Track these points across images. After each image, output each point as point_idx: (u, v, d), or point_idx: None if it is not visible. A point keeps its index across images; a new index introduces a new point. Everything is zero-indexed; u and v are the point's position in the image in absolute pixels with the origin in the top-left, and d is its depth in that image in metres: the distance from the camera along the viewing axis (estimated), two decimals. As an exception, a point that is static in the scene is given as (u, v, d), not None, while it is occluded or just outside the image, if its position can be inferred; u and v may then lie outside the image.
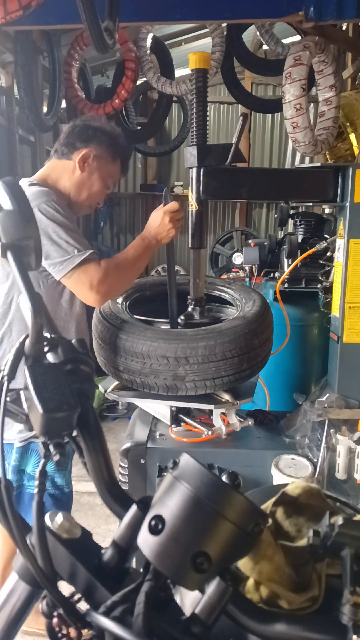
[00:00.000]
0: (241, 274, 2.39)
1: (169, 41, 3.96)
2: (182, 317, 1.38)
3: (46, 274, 1.33)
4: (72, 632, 0.49)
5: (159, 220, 1.34)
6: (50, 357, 0.55)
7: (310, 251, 1.69)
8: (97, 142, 1.42)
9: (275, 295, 1.81)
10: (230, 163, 1.27)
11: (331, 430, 1.32)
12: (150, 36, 3.29)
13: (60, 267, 1.25)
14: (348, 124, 2.64)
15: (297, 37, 3.10)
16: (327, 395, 1.42)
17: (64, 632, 0.50)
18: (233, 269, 2.86)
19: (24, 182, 1.39)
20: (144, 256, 1.36)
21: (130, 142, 4.62)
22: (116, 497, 0.56)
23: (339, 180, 1.41)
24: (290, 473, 1.18)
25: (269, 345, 1.32)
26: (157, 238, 1.35)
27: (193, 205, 1.31)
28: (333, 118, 2.41)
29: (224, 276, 2.59)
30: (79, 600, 0.51)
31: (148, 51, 3.29)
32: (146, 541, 0.46)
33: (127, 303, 1.45)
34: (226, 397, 1.25)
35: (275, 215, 2.18)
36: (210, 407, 1.24)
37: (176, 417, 1.32)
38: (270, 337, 1.32)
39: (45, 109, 3.24)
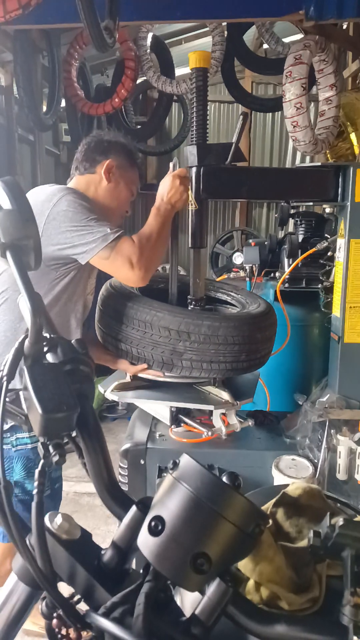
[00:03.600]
0: (241, 273, 2.39)
1: (169, 40, 3.95)
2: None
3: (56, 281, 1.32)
4: (72, 633, 0.49)
5: (169, 184, 1.33)
6: (49, 358, 0.55)
7: (310, 251, 1.69)
8: (115, 153, 1.47)
9: (275, 295, 1.81)
10: (230, 162, 1.27)
11: (332, 431, 1.32)
12: (150, 35, 3.28)
13: (94, 245, 1.24)
14: (348, 123, 2.64)
15: (298, 36, 3.10)
16: (328, 395, 1.42)
17: (64, 633, 0.49)
18: (233, 269, 2.86)
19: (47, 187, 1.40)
20: (165, 225, 1.36)
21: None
22: (116, 498, 0.56)
23: (340, 179, 1.40)
24: (291, 474, 1.18)
25: (270, 345, 1.32)
26: (172, 202, 1.34)
27: (193, 205, 1.31)
28: (333, 117, 2.40)
29: (224, 276, 2.58)
30: (78, 601, 0.50)
31: (148, 50, 3.29)
32: (146, 542, 0.46)
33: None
34: (226, 397, 1.25)
35: (276, 215, 2.18)
36: (211, 407, 1.24)
37: (176, 418, 1.32)
38: (272, 337, 1.32)
39: (44, 108, 3.23)
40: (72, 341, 0.57)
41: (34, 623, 1.57)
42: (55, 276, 1.32)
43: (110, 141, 1.49)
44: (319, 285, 1.84)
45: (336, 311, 1.46)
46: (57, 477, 1.47)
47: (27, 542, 0.49)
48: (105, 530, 2.18)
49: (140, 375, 1.35)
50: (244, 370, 1.25)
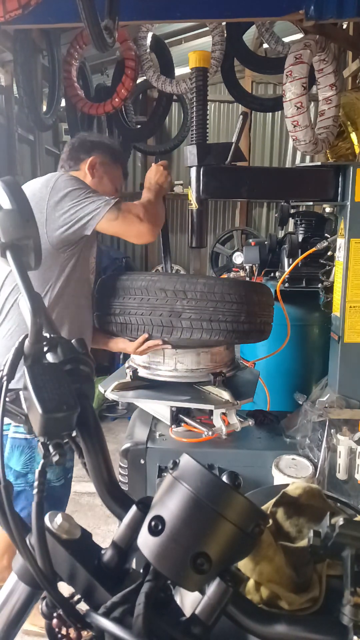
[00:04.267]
0: (241, 273, 2.39)
1: (169, 40, 3.95)
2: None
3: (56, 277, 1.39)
4: (72, 633, 0.49)
5: (154, 170, 1.51)
6: (49, 357, 0.55)
7: (310, 250, 1.69)
8: (98, 151, 1.54)
9: (275, 294, 1.81)
10: (230, 162, 1.27)
11: (332, 431, 1.32)
12: (150, 35, 3.28)
13: (98, 210, 1.31)
14: (349, 122, 2.64)
15: (298, 36, 3.10)
16: (328, 395, 1.42)
17: (64, 632, 0.49)
18: (233, 269, 2.86)
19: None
20: (157, 197, 1.48)
21: (129, 141, 4.58)
22: (116, 498, 0.56)
23: (340, 179, 1.40)
24: (291, 473, 1.18)
25: (269, 314, 1.31)
26: (159, 182, 1.49)
27: (193, 205, 1.31)
28: (333, 117, 2.40)
29: (224, 276, 2.58)
30: (78, 601, 0.50)
31: (148, 50, 3.28)
32: (146, 542, 0.46)
33: None
34: (226, 397, 1.25)
35: (276, 215, 2.18)
36: (211, 407, 1.24)
37: (176, 417, 1.32)
38: (270, 306, 1.32)
39: (44, 108, 3.23)
40: (72, 341, 0.57)
41: (33, 624, 1.58)
42: (64, 257, 1.38)
43: (93, 141, 1.57)
44: (319, 285, 1.83)
45: (336, 311, 1.46)
46: (70, 467, 1.51)
47: (27, 541, 0.49)
48: (106, 530, 2.18)
49: (140, 375, 1.35)
50: (246, 334, 1.23)
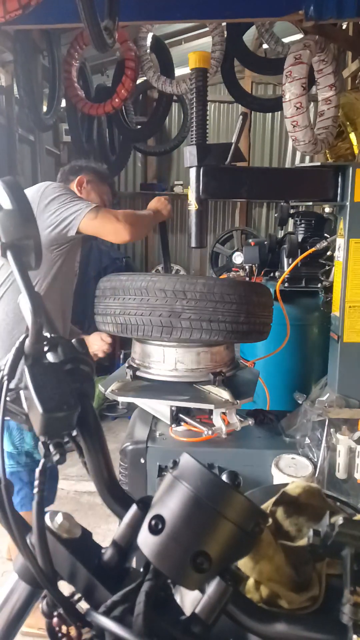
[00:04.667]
0: (241, 273, 2.39)
1: (169, 40, 3.95)
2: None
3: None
4: (72, 632, 0.49)
5: (156, 200, 1.71)
6: (50, 357, 0.55)
7: (310, 250, 1.69)
8: (85, 172, 1.76)
9: (275, 294, 1.81)
10: (230, 162, 1.27)
11: (331, 430, 1.32)
12: (150, 35, 3.28)
13: (79, 211, 1.47)
14: (348, 123, 2.64)
15: (297, 36, 3.10)
16: (328, 394, 1.42)
17: (64, 631, 0.50)
18: (233, 268, 2.86)
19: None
20: (148, 217, 1.64)
21: (129, 141, 4.59)
22: (116, 497, 0.56)
23: (339, 179, 1.40)
24: (291, 473, 1.18)
25: (268, 315, 1.32)
26: (157, 208, 1.68)
27: (193, 205, 1.31)
28: (333, 117, 2.40)
29: (224, 276, 2.59)
30: (79, 600, 0.51)
31: (148, 50, 3.29)
32: (146, 541, 0.46)
33: None
34: (226, 396, 1.25)
35: (276, 215, 2.18)
36: (211, 406, 1.24)
37: (176, 417, 1.32)
38: (269, 307, 1.32)
39: (45, 108, 3.23)
40: (73, 341, 0.57)
41: (30, 627, 1.59)
42: (52, 258, 1.56)
43: (81, 165, 1.79)
44: (319, 285, 1.84)
45: (335, 310, 1.47)
46: None
47: (28, 541, 0.49)
48: (106, 529, 2.19)
49: (140, 375, 1.35)
50: (246, 335, 1.23)
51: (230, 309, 1.17)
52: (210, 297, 1.16)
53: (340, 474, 1.32)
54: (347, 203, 1.37)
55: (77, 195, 1.59)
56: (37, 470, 0.48)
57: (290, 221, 2.20)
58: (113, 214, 1.49)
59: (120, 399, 1.32)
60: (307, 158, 4.00)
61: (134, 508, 0.51)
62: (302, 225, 2.08)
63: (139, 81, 3.61)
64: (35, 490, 0.48)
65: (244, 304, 1.19)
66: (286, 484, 0.68)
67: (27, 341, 0.52)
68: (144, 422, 1.42)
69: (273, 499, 0.65)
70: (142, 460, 1.27)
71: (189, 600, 0.51)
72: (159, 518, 0.45)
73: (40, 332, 0.52)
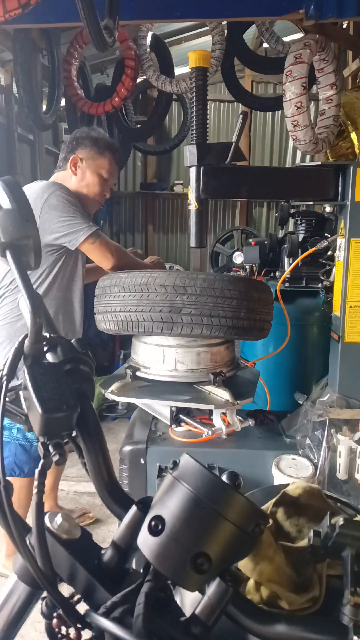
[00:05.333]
0: (242, 273, 2.38)
1: (169, 39, 3.95)
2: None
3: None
4: (72, 633, 0.49)
5: (156, 261, 1.79)
6: (49, 357, 0.55)
7: (311, 250, 1.69)
8: (81, 147, 1.74)
9: (276, 294, 1.81)
10: (230, 162, 1.27)
11: (332, 430, 1.32)
12: (150, 34, 3.28)
13: (81, 233, 1.58)
14: (349, 122, 2.64)
15: (298, 35, 3.10)
16: (328, 395, 1.42)
17: (64, 632, 0.49)
18: (233, 268, 2.86)
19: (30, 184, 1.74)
20: (140, 265, 1.69)
21: (129, 141, 4.59)
22: (116, 498, 0.56)
23: (340, 179, 1.40)
24: (291, 473, 1.18)
25: (269, 313, 1.31)
26: (149, 261, 1.76)
27: (193, 204, 1.31)
28: (334, 116, 2.40)
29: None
30: (78, 601, 0.50)
31: (148, 49, 3.28)
32: (146, 542, 0.46)
33: None
34: (226, 397, 1.25)
35: (276, 214, 2.18)
36: (211, 407, 1.24)
37: (176, 417, 1.32)
38: (269, 304, 1.32)
39: (44, 108, 3.23)
40: (72, 341, 0.57)
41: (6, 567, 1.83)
42: (52, 259, 1.66)
43: (78, 138, 1.75)
44: (319, 285, 1.83)
45: (336, 310, 1.46)
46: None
47: (27, 541, 0.49)
48: (106, 530, 2.18)
49: (140, 375, 1.35)
50: (246, 331, 1.23)
51: (230, 304, 1.17)
52: (210, 292, 1.16)
53: (341, 474, 1.31)
54: (348, 202, 1.37)
55: (77, 209, 1.62)
56: (37, 471, 0.48)
57: (291, 221, 2.20)
58: (107, 246, 1.59)
59: (120, 399, 1.32)
60: (308, 157, 4.00)
61: (133, 509, 0.50)
62: (303, 224, 2.08)
63: (138, 80, 3.61)
64: (35, 490, 0.48)
65: (244, 299, 1.19)
66: (287, 485, 0.68)
67: (27, 341, 0.52)
68: (144, 423, 1.41)
69: (273, 500, 0.65)
70: (142, 461, 1.27)
71: (189, 601, 0.51)
72: (158, 519, 0.45)
73: (39, 332, 0.52)
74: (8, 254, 0.55)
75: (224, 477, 0.53)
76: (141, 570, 0.47)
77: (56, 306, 1.72)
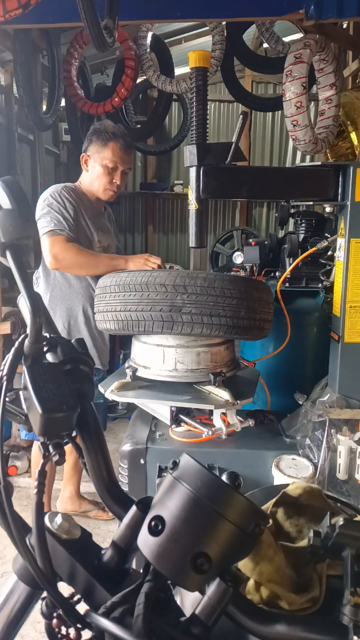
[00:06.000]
0: (242, 273, 2.38)
1: (169, 39, 3.95)
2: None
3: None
4: (72, 633, 0.49)
5: (139, 256, 1.79)
6: (49, 357, 0.55)
7: (311, 250, 1.69)
8: (89, 144, 1.91)
9: (276, 294, 1.80)
10: (230, 162, 1.27)
11: (332, 431, 1.32)
12: (150, 34, 3.27)
13: (40, 230, 1.75)
14: (349, 122, 2.63)
15: (298, 35, 3.10)
16: (328, 395, 1.42)
17: (64, 632, 0.49)
18: (233, 268, 2.85)
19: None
20: (106, 265, 1.75)
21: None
22: (116, 498, 0.56)
23: (340, 179, 1.40)
24: (291, 473, 1.18)
25: (269, 312, 1.31)
26: (131, 261, 1.76)
27: (193, 204, 1.31)
28: (333, 117, 2.40)
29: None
30: (78, 601, 0.50)
31: (148, 49, 3.28)
32: (146, 542, 0.46)
33: None
34: (226, 397, 1.25)
35: (276, 214, 2.17)
36: (211, 407, 1.24)
37: (176, 417, 1.32)
38: (269, 303, 1.32)
39: (44, 108, 3.23)
40: (72, 341, 0.57)
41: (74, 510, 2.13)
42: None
43: (87, 136, 1.92)
44: (319, 285, 1.83)
45: (336, 311, 1.46)
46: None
47: (27, 541, 0.49)
48: (106, 530, 2.18)
49: (140, 375, 1.35)
50: (246, 330, 1.23)
51: (230, 303, 1.17)
52: (210, 291, 1.16)
53: (341, 474, 1.31)
54: (348, 203, 1.37)
55: (50, 210, 1.78)
56: (37, 471, 0.48)
57: (291, 221, 2.20)
58: (51, 245, 1.73)
59: (120, 399, 1.32)
60: (308, 157, 4.00)
61: (133, 509, 0.50)
62: (303, 225, 2.07)
63: (138, 80, 3.61)
64: (35, 490, 0.48)
65: (245, 299, 1.19)
66: (287, 485, 0.68)
67: (27, 341, 0.52)
68: (144, 423, 1.41)
69: (273, 500, 0.65)
70: (142, 461, 1.27)
71: (189, 601, 0.51)
72: (158, 519, 0.45)
73: (39, 332, 0.52)
74: (8, 254, 0.55)
75: (224, 477, 0.52)
76: (141, 570, 0.47)
77: (61, 295, 1.91)
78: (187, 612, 0.47)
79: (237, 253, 3.15)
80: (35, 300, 0.53)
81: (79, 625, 0.48)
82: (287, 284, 1.94)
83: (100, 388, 1.39)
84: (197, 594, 0.46)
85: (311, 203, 2.41)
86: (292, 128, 2.20)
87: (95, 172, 1.89)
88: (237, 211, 5.20)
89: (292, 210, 2.15)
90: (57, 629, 0.49)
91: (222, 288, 1.16)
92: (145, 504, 0.50)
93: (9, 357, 0.52)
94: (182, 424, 1.32)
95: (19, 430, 2.63)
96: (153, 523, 0.45)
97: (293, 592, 0.55)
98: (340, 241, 1.43)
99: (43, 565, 0.47)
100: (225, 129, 5.09)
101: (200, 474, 0.45)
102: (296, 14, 1.96)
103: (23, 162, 3.52)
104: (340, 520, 0.48)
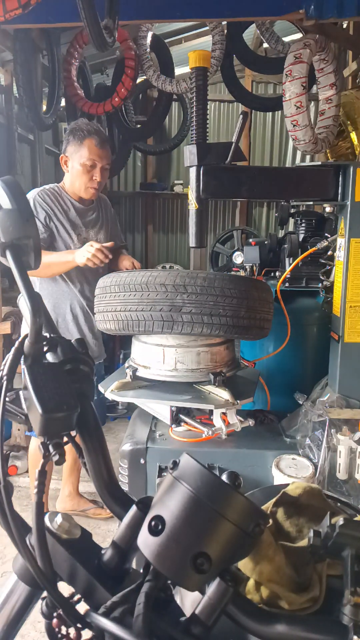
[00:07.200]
0: (242, 273, 2.38)
1: (169, 39, 3.95)
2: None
3: None
4: (72, 633, 0.49)
5: (87, 248, 1.74)
6: (49, 357, 0.55)
7: (311, 250, 1.69)
8: (66, 144, 1.92)
9: (276, 294, 1.80)
10: (230, 162, 1.27)
11: (332, 430, 1.32)
12: (150, 34, 3.27)
13: None
14: (349, 122, 2.63)
15: (298, 35, 3.09)
16: (328, 395, 1.42)
17: (64, 632, 0.49)
18: (233, 268, 2.85)
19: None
20: (57, 264, 1.81)
21: (129, 141, 4.59)
22: (116, 498, 0.56)
23: (340, 179, 1.40)
24: (291, 473, 1.18)
25: (269, 312, 1.31)
26: (77, 255, 1.75)
27: (193, 204, 1.31)
28: (333, 116, 2.40)
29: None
30: (78, 601, 0.50)
31: (148, 49, 3.28)
32: (146, 542, 0.46)
33: None
34: (226, 397, 1.25)
35: (276, 214, 2.17)
36: (211, 407, 1.24)
37: (176, 417, 1.32)
38: (269, 303, 1.32)
39: (44, 108, 3.23)
40: (72, 341, 0.57)
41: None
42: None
43: (65, 137, 1.93)
44: (319, 285, 1.83)
45: (336, 310, 1.46)
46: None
47: (27, 541, 0.49)
48: (106, 530, 2.18)
49: (140, 375, 1.35)
50: (246, 330, 1.23)
51: (230, 303, 1.17)
52: (210, 291, 1.16)
53: (341, 474, 1.31)
54: (348, 202, 1.37)
55: (43, 204, 1.84)
56: (37, 471, 0.48)
57: (291, 221, 2.20)
58: None
59: (120, 399, 1.32)
60: (308, 157, 4.00)
61: (133, 509, 0.50)
62: (303, 224, 2.07)
63: (138, 80, 3.61)
64: (35, 490, 0.48)
65: (245, 298, 1.19)
66: (287, 485, 0.68)
67: (27, 341, 0.52)
68: (144, 423, 1.42)
69: (273, 500, 0.65)
70: (142, 461, 1.27)
71: (189, 601, 0.51)
72: (159, 519, 0.45)
73: (39, 332, 0.52)
74: (8, 254, 0.55)
75: (224, 477, 0.52)
76: (141, 570, 0.47)
77: (48, 289, 1.93)
78: (187, 612, 0.47)
79: (237, 253, 3.14)
80: (35, 300, 0.53)
81: (79, 625, 0.48)
82: (287, 284, 1.94)
83: (101, 388, 1.39)
84: (197, 593, 0.46)
85: (311, 203, 2.41)
86: (292, 128, 2.20)
87: (75, 172, 1.90)
88: (237, 211, 5.20)
89: (292, 210, 2.15)
90: (57, 629, 0.49)
91: (222, 288, 1.17)
92: (145, 504, 0.50)
93: (9, 357, 0.52)
94: (182, 424, 1.32)
95: (19, 430, 2.63)
96: (153, 523, 0.45)
97: (293, 592, 0.55)
98: (340, 241, 1.43)
99: (43, 565, 0.47)
100: (225, 129, 5.09)
101: (200, 474, 0.45)
102: (296, 13, 1.96)
103: (23, 162, 3.52)
104: (340, 520, 0.48)
